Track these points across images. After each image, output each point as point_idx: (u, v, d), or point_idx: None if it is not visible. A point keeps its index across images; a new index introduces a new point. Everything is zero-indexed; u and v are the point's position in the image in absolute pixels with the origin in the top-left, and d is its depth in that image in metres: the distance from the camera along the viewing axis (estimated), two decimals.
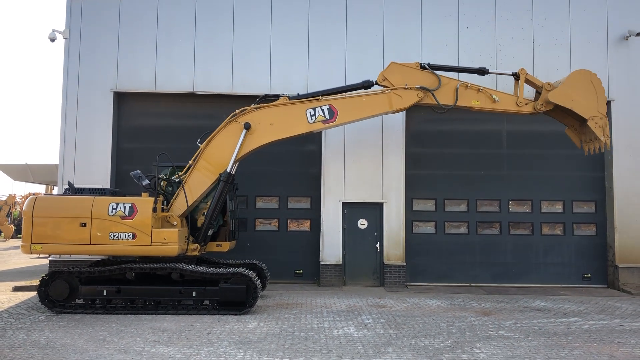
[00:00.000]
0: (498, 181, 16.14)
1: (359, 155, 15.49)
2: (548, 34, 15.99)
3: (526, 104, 12.43)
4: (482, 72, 12.81)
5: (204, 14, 15.67)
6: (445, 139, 16.13)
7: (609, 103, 15.82)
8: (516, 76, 12.57)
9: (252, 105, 12.28)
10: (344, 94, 12.60)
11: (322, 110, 12.18)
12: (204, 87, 15.49)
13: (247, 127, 11.97)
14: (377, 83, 12.54)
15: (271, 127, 12.13)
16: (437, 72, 12.41)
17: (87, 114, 15.32)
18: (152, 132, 15.91)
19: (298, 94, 12.71)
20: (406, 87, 12.21)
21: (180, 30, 15.62)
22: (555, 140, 16.15)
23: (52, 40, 15.18)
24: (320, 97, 12.33)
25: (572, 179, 16.17)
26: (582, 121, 12.31)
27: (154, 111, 16.04)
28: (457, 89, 12.28)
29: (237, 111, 12.22)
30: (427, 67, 12.36)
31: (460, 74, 13.30)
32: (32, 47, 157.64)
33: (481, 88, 12.38)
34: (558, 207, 16.21)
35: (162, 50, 15.57)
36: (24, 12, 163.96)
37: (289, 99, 12.31)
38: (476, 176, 16.08)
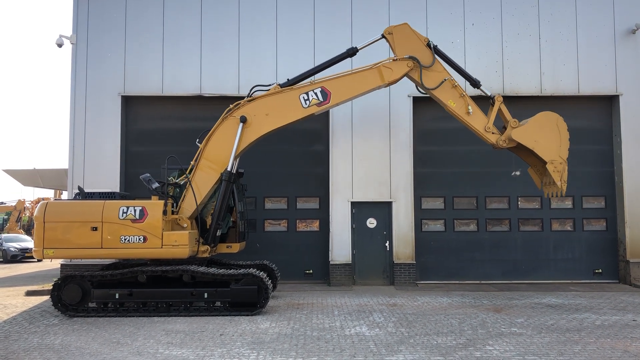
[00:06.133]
0: (506, 177, 16.10)
1: (366, 155, 15.50)
2: (554, 29, 15.93)
3: (492, 133, 12.30)
4: (474, 84, 12.66)
5: (210, 16, 15.73)
6: (453, 136, 16.09)
7: (616, 97, 15.84)
8: (492, 101, 12.45)
9: (245, 99, 12.31)
10: (335, 74, 12.49)
11: (315, 94, 12.19)
12: (210, 89, 15.54)
13: (243, 120, 11.99)
14: (383, 36, 12.53)
15: (267, 117, 12.15)
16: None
17: (96, 118, 15.44)
18: (160, 135, 15.99)
19: (288, 79, 12.61)
20: (395, 58, 12.29)
21: (187, 34, 15.69)
22: None
23: (60, 45, 15.28)
24: (311, 81, 12.39)
25: (581, 174, 16.09)
26: (544, 163, 12.13)
27: (161, 114, 16.12)
28: (444, 80, 12.26)
29: (231, 106, 12.24)
30: (432, 48, 12.37)
31: (457, 73, 12.87)
32: (40, 52, 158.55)
33: (464, 94, 12.31)
34: (568, 203, 16.16)
35: (169, 54, 15.65)
36: (30, 18, 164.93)
37: (280, 87, 12.34)
38: (485, 173, 16.04)
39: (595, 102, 16.27)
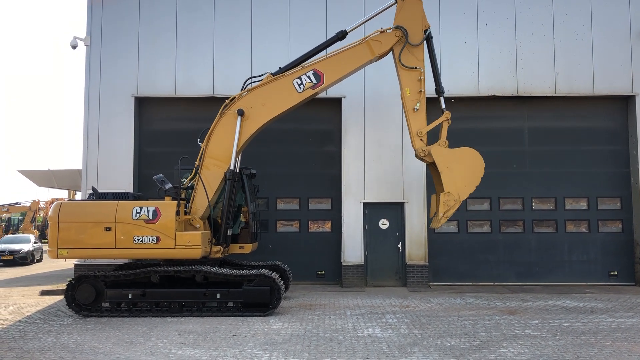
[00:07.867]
0: (521, 178, 15.96)
1: (379, 156, 15.44)
2: (569, 29, 15.77)
3: (420, 140, 12.07)
4: (439, 91, 12.48)
5: (222, 18, 15.77)
6: (466, 137, 15.91)
7: (632, 97, 15.64)
8: (442, 113, 12.28)
9: (239, 92, 12.32)
10: (325, 55, 12.50)
11: (308, 77, 12.17)
12: (223, 90, 15.55)
13: (241, 113, 12.00)
14: (396, 1, 12.51)
15: (263, 107, 12.14)
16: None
17: (109, 119, 15.54)
18: (173, 136, 16.05)
19: (280, 68, 12.61)
20: (382, 30, 12.29)
21: (199, 35, 15.75)
22: (578, 137, 15.97)
23: (74, 47, 15.44)
24: (302, 65, 12.35)
25: (596, 175, 15.93)
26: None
27: (174, 115, 16.19)
28: (414, 68, 12.12)
29: (227, 101, 12.27)
30: (426, 35, 12.31)
31: (432, 71, 12.63)
32: (55, 54, 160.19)
33: (423, 91, 12.12)
34: (582, 204, 15.98)
35: (182, 55, 15.71)
36: (45, 19, 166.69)
37: (273, 75, 12.32)
38: (498, 174, 15.86)
39: (610, 102, 16.08)
